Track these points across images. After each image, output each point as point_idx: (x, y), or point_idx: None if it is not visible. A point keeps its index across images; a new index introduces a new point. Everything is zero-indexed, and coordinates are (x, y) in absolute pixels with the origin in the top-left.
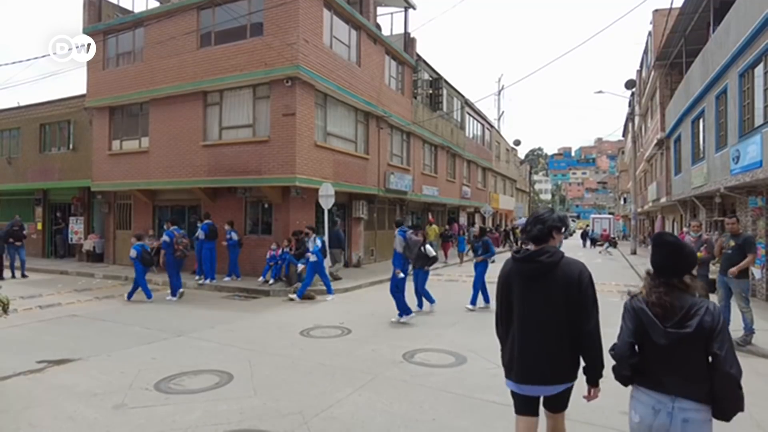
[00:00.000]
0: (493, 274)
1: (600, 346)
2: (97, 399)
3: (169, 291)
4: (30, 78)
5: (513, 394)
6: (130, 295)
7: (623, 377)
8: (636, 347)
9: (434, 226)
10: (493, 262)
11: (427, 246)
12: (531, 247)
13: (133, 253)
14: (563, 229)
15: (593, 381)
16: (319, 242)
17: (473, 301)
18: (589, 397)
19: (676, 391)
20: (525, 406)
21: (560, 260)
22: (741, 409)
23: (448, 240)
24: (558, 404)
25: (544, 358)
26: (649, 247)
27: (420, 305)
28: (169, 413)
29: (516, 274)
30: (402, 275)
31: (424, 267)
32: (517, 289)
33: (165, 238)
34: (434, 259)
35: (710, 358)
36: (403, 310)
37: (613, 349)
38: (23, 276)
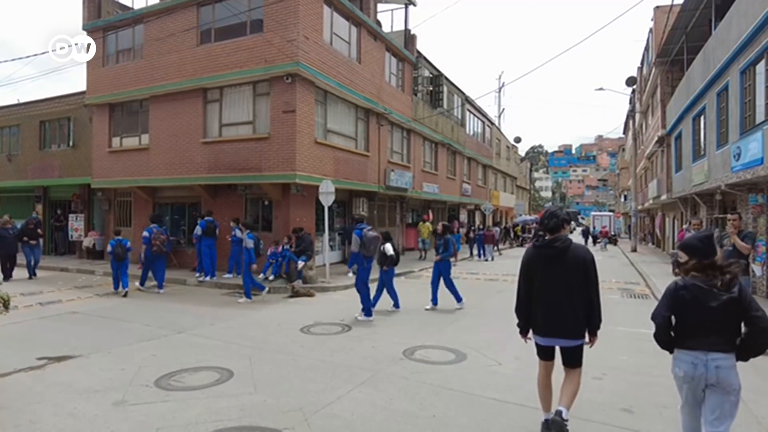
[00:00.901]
0: (491, 271)
1: (599, 307)
2: (97, 396)
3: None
4: (30, 75)
5: (537, 345)
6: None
7: (663, 342)
8: (672, 320)
9: (428, 223)
10: (486, 260)
11: (386, 245)
12: (547, 236)
13: (108, 247)
14: (570, 222)
15: (593, 332)
16: (249, 241)
17: (458, 299)
18: (590, 344)
19: (708, 347)
20: (546, 354)
21: (570, 246)
22: (762, 352)
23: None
24: (573, 359)
25: (561, 319)
26: (650, 245)
27: (396, 305)
28: (169, 410)
29: (537, 258)
30: (351, 274)
31: (383, 266)
32: (539, 269)
33: (144, 233)
34: (392, 259)
35: (747, 321)
36: (367, 308)
37: (654, 319)
38: (32, 276)
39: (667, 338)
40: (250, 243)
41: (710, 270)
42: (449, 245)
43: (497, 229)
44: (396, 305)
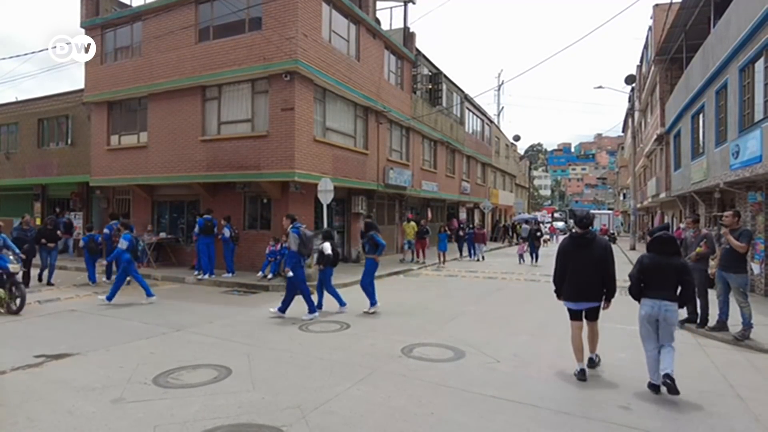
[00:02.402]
0: (490, 270)
1: (614, 282)
2: (95, 393)
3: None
4: (30, 72)
5: (570, 309)
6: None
7: (635, 293)
8: (641, 283)
9: (412, 222)
10: (477, 260)
11: (325, 244)
12: (578, 230)
13: (81, 243)
14: (593, 222)
15: (609, 299)
16: (124, 242)
17: (373, 303)
18: (605, 307)
19: (661, 297)
20: (576, 316)
21: (595, 237)
22: (689, 302)
23: (424, 237)
24: (593, 315)
25: (586, 288)
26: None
27: (320, 305)
28: (168, 407)
29: (572, 245)
30: (291, 274)
31: (320, 265)
32: (572, 253)
33: (105, 230)
34: (329, 258)
35: (681, 282)
36: (311, 305)
37: (631, 278)
38: (49, 284)
39: (637, 290)
40: (124, 244)
41: (669, 246)
42: (378, 242)
43: (527, 227)
44: (341, 303)
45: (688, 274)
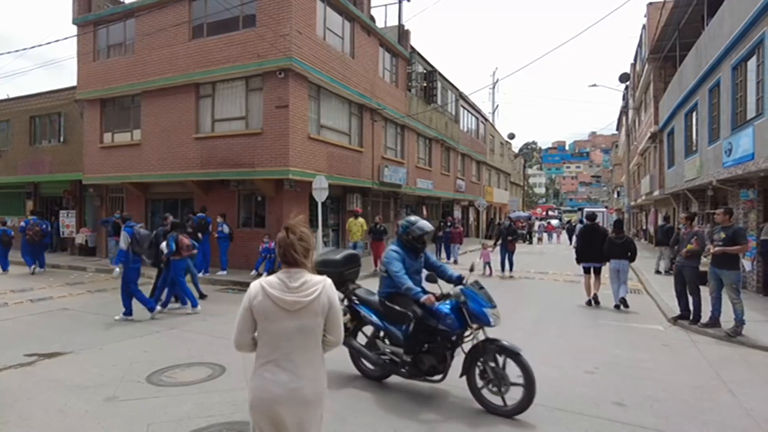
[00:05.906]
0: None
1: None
2: (88, 392)
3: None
4: (25, 68)
5: (584, 267)
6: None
7: (606, 258)
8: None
9: (360, 219)
10: (455, 262)
11: (162, 243)
12: (589, 223)
13: None
14: (596, 218)
15: (606, 260)
16: None
17: (184, 303)
18: (604, 264)
19: (618, 258)
20: (588, 271)
21: (598, 226)
22: (633, 261)
23: (381, 238)
24: (598, 271)
25: (594, 255)
26: (643, 241)
27: (184, 302)
28: (161, 405)
29: (585, 230)
30: (117, 271)
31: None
32: (588, 235)
33: (21, 224)
34: (163, 255)
35: (630, 251)
36: (128, 308)
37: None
38: (201, 296)
39: (607, 255)
40: None
41: (619, 231)
42: (171, 243)
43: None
44: (184, 302)
45: (632, 244)
